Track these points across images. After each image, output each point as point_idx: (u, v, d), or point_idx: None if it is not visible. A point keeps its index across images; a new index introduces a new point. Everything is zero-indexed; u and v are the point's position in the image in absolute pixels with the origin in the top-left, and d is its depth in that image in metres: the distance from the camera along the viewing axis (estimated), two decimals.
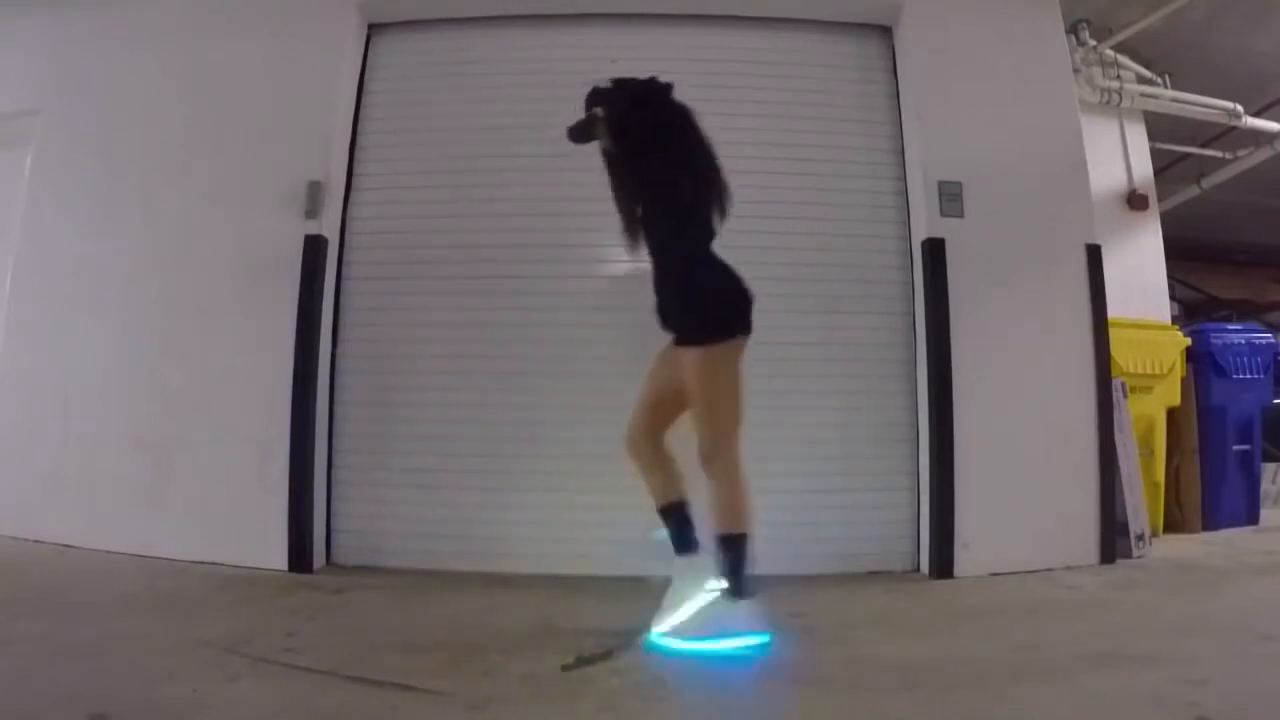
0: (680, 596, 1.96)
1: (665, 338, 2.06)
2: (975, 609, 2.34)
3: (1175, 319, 4.66)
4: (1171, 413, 3.79)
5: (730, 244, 2.08)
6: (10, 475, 3.05)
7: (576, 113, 2.13)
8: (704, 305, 1.99)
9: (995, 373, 2.86)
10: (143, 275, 3.05)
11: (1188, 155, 5.51)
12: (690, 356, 1.96)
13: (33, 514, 2.98)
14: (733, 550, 1.91)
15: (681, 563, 2.02)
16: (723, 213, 2.08)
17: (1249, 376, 3.86)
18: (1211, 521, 3.73)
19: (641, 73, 2.13)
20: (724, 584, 1.92)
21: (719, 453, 1.94)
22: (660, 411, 2.09)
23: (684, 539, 2.03)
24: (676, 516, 2.04)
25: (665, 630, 1.93)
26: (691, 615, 1.93)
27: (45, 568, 2.64)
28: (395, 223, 3.08)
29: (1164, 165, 5.24)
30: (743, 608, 1.89)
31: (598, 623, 2.10)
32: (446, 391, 2.95)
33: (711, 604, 1.92)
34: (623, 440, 2.11)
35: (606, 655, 1.83)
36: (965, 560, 2.74)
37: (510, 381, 2.93)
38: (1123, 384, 3.22)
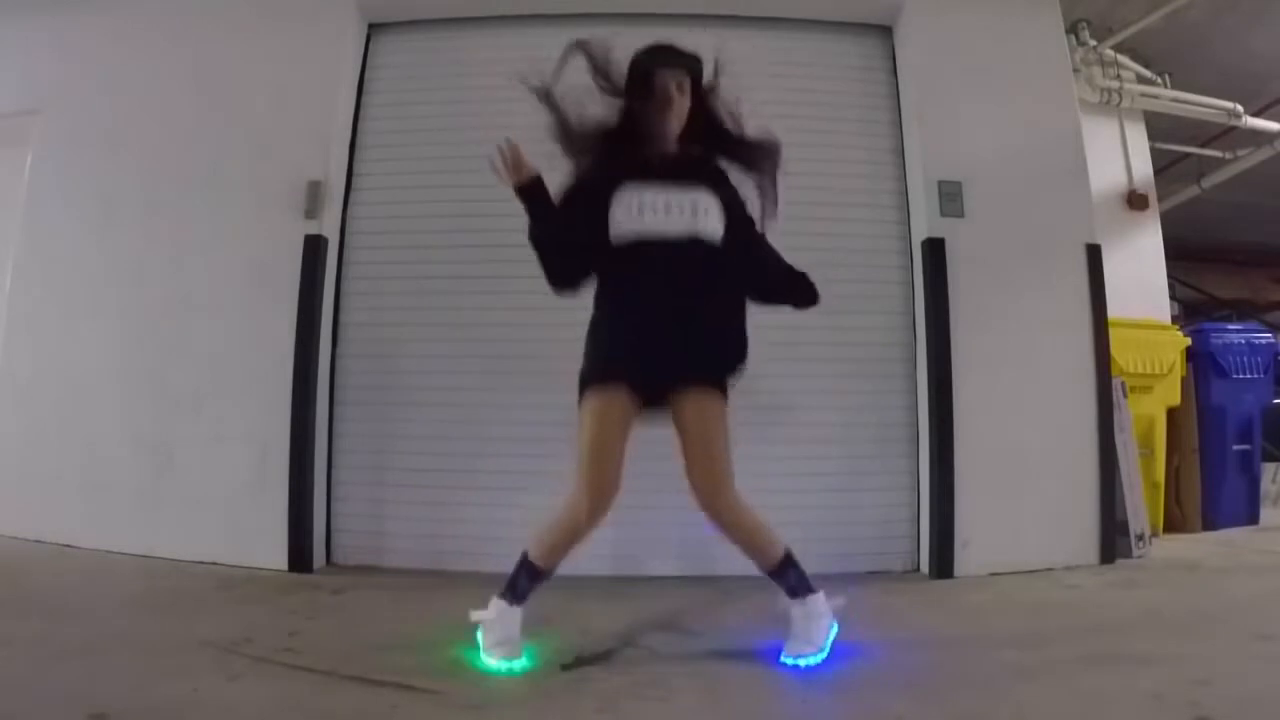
0: (810, 631, 1.83)
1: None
2: (975, 608, 2.35)
3: (1175, 319, 4.66)
4: (1171, 413, 3.79)
5: None
6: (10, 475, 3.05)
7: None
8: (746, 342, 1.92)
9: (995, 373, 2.86)
10: (143, 275, 3.05)
11: (1188, 155, 5.51)
12: (722, 402, 1.85)
13: (33, 514, 2.98)
14: (791, 568, 1.86)
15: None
16: None
17: (1249, 376, 3.86)
18: (1211, 521, 3.73)
19: None
20: (812, 599, 1.85)
21: (732, 491, 1.83)
22: None
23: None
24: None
25: (796, 655, 1.81)
26: (807, 631, 1.83)
27: (45, 568, 2.64)
28: (395, 223, 3.08)
29: (1164, 165, 5.24)
30: (823, 603, 1.86)
31: (598, 623, 2.10)
32: (446, 391, 2.95)
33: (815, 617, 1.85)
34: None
35: (606, 655, 1.83)
36: (965, 560, 2.74)
37: (510, 381, 2.93)
38: (1123, 384, 3.22)
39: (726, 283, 1.88)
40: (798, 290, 2.00)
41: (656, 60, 1.90)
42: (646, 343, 1.80)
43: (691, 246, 1.83)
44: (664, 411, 1.85)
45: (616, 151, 1.90)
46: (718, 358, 1.87)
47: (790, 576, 1.86)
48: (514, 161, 1.91)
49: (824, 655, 1.80)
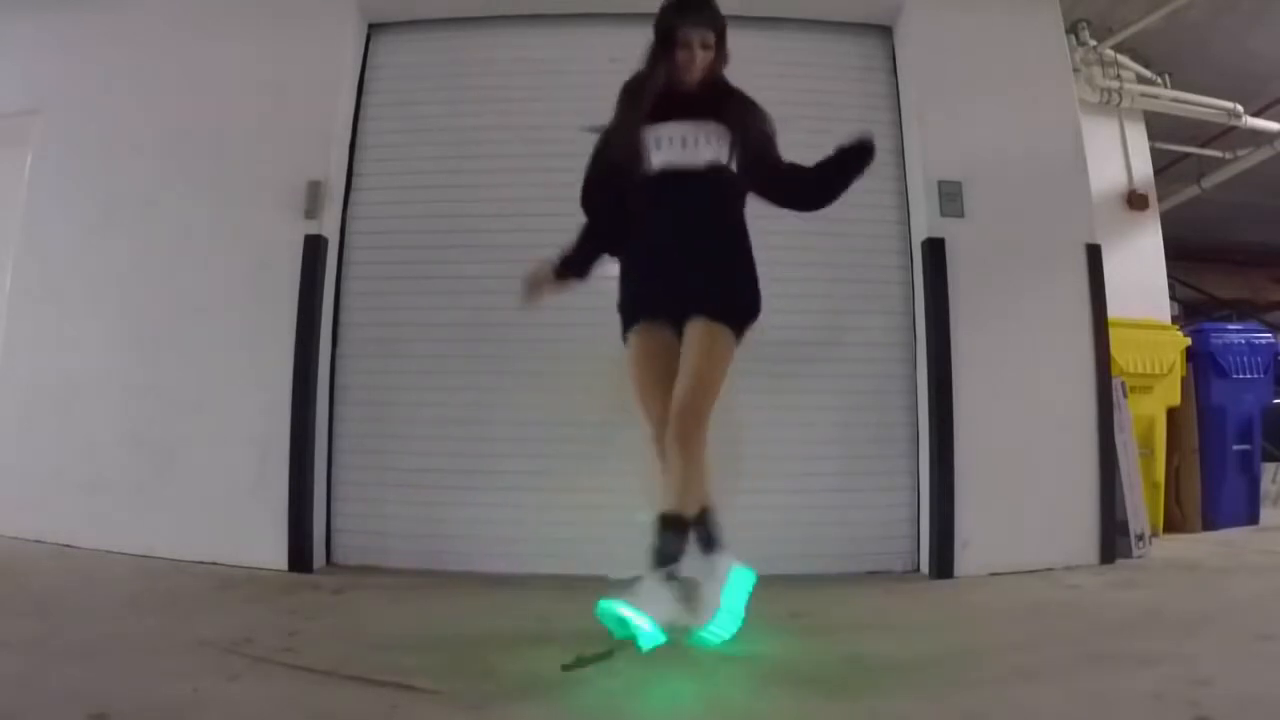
0: (718, 592, 1.84)
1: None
2: (975, 609, 2.35)
3: (1175, 319, 4.66)
4: (1171, 413, 3.79)
5: None
6: (10, 475, 3.05)
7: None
8: (757, 286, 1.96)
9: (995, 373, 2.86)
10: (143, 275, 3.05)
11: (1188, 155, 5.51)
12: (728, 337, 1.88)
13: (33, 514, 2.97)
14: (707, 523, 1.90)
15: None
16: None
17: (1249, 376, 3.86)
18: (1211, 521, 3.73)
19: None
20: (719, 558, 1.89)
21: (703, 431, 1.82)
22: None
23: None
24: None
25: (711, 626, 1.81)
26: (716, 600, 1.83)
27: (45, 568, 2.63)
28: (395, 223, 3.08)
29: (1164, 165, 5.25)
30: (727, 563, 1.89)
31: (597, 623, 2.10)
32: (446, 391, 2.95)
33: (720, 578, 1.86)
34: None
35: (606, 655, 1.83)
36: (965, 560, 2.74)
37: (510, 381, 2.93)
38: (1123, 384, 3.22)
39: (737, 211, 1.97)
40: (846, 165, 1.99)
41: (682, 17, 1.94)
42: (659, 277, 1.91)
43: (697, 177, 1.90)
44: None
45: (637, 98, 1.96)
46: (728, 290, 1.92)
47: (704, 532, 1.88)
48: (540, 282, 2.11)
49: (739, 623, 1.82)
